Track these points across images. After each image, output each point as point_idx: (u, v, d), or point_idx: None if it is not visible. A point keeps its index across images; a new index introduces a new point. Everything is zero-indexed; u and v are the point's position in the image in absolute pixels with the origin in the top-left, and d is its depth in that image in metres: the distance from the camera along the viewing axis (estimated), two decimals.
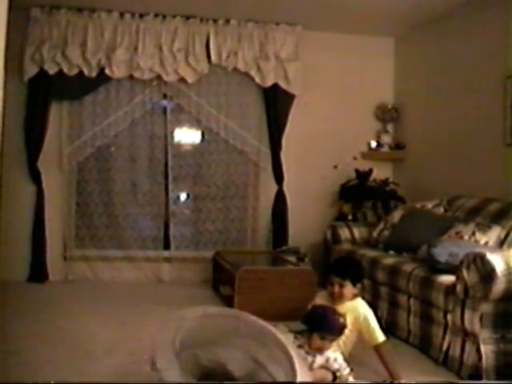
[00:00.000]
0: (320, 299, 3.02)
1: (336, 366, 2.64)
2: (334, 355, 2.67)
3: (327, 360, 2.64)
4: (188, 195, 5.61)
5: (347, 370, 2.66)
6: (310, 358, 2.61)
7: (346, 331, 2.81)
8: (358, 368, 2.82)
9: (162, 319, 2.17)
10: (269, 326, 2.39)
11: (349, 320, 2.82)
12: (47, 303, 4.29)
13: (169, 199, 5.45)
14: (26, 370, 2.78)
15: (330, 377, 2.63)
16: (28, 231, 5.10)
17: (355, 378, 2.69)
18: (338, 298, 2.91)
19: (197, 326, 2.24)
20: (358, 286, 2.95)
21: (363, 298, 3.03)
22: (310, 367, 2.58)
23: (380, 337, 2.83)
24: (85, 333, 3.48)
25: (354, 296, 2.94)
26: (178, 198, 5.56)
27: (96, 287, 4.99)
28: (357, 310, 2.87)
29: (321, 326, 2.65)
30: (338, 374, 2.64)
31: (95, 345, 3.23)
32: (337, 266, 3.09)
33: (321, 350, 2.64)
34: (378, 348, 2.83)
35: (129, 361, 2.91)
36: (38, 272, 5.10)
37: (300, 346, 2.64)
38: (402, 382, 2.76)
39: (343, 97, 5.67)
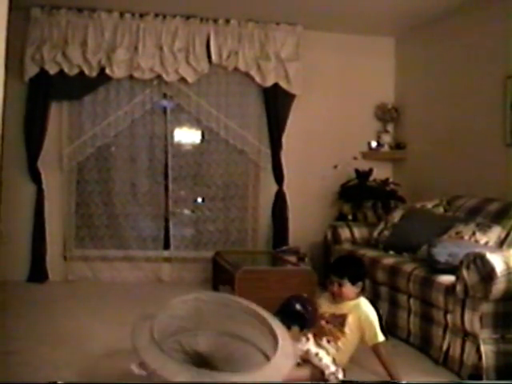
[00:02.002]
0: (322, 300, 3.02)
1: (317, 361, 2.60)
2: (316, 350, 2.63)
3: (307, 352, 2.60)
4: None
5: (339, 375, 2.63)
6: None
7: (347, 331, 2.80)
8: (358, 369, 2.82)
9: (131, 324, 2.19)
10: (232, 297, 2.47)
11: (351, 319, 2.82)
12: (47, 303, 4.29)
13: (169, 199, 5.45)
14: (25, 370, 2.79)
15: (310, 373, 2.59)
16: (28, 231, 5.10)
17: (353, 378, 2.70)
18: (338, 297, 2.91)
19: (167, 316, 2.29)
20: (359, 284, 2.93)
21: (366, 298, 3.02)
22: None
23: (379, 337, 2.82)
24: (85, 333, 3.48)
25: (357, 295, 2.94)
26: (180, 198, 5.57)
27: (96, 287, 4.99)
28: (359, 309, 2.86)
29: (281, 310, 2.67)
30: (326, 373, 2.59)
31: (95, 345, 3.23)
32: (335, 265, 3.10)
33: None
34: (376, 348, 2.82)
35: (129, 361, 2.91)
36: (37, 272, 5.10)
37: None
38: (402, 382, 2.76)
39: (343, 97, 5.67)
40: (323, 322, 2.84)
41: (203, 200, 5.59)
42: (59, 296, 4.59)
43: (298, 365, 2.55)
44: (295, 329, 2.63)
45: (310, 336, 2.68)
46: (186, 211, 5.59)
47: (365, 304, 2.90)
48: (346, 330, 2.81)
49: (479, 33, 4.50)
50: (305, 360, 2.61)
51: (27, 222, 5.09)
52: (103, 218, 5.36)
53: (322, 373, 2.61)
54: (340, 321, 2.82)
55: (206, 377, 1.94)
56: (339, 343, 2.78)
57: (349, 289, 2.90)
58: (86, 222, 5.36)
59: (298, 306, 2.66)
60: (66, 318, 3.81)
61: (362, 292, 3.00)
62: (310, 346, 2.63)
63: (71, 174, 5.30)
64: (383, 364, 2.82)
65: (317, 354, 2.62)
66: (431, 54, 5.20)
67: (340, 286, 2.90)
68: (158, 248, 5.46)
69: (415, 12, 4.94)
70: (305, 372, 2.59)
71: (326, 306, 2.95)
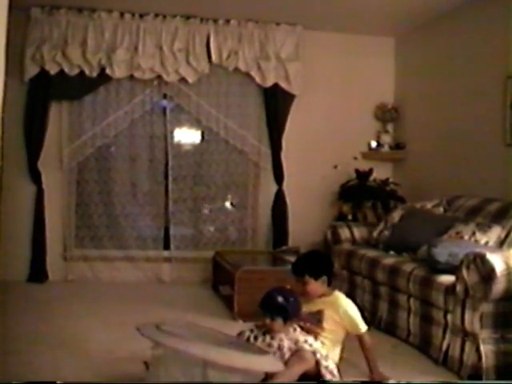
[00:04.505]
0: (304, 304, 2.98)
1: (308, 347, 2.57)
2: (305, 338, 2.61)
3: (296, 343, 2.58)
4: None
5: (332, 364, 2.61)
6: (275, 343, 2.58)
7: (326, 326, 2.77)
8: (350, 369, 2.82)
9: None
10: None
11: (328, 315, 2.79)
12: (47, 303, 4.29)
13: (169, 199, 5.45)
14: (25, 369, 2.79)
15: (311, 361, 2.56)
16: (28, 231, 5.10)
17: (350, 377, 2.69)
18: (305, 295, 2.85)
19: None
20: (324, 278, 2.86)
21: (340, 290, 2.98)
22: (280, 351, 2.55)
23: (362, 327, 2.82)
24: (85, 333, 3.48)
25: (328, 290, 2.89)
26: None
27: (96, 287, 4.99)
28: (335, 304, 2.83)
29: (263, 303, 2.66)
30: (317, 356, 2.56)
31: (95, 345, 3.23)
32: (293, 265, 3.03)
33: (271, 331, 2.61)
34: (360, 338, 2.82)
35: (129, 361, 2.91)
36: (37, 272, 5.10)
37: (265, 333, 2.64)
38: (402, 382, 2.76)
39: (343, 97, 5.67)
40: (302, 322, 2.80)
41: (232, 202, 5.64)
42: (59, 296, 4.59)
43: (288, 361, 2.52)
44: (279, 321, 2.61)
45: (297, 326, 2.68)
46: (186, 211, 5.58)
47: (341, 298, 2.87)
48: (325, 324, 2.78)
49: (479, 33, 4.50)
50: (294, 352, 2.57)
51: (27, 222, 5.09)
52: (103, 218, 5.36)
53: (317, 362, 2.56)
54: (317, 317, 2.80)
55: (213, 351, 2.23)
56: (321, 339, 2.75)
57: (313, 285, 2.85)
58: (86, 222, 5.36)
59: (279, 299, 2.63)
60: (65, 318, 3.81)
61: (330, 285, 2.92)
62: (298, 335, 2.63)
63: (71, 174, 5.30)
64: (365, 355, 2.82)
65: (306, 341, 2.59)
66: (431, 54, 5.19)
67: (304, 284, 2.86)
68: (158, 248, 5.45)
69: (415, 12, 4.94)
70: (299, 367, 2.54)
71: (304, 307, 2.90)
